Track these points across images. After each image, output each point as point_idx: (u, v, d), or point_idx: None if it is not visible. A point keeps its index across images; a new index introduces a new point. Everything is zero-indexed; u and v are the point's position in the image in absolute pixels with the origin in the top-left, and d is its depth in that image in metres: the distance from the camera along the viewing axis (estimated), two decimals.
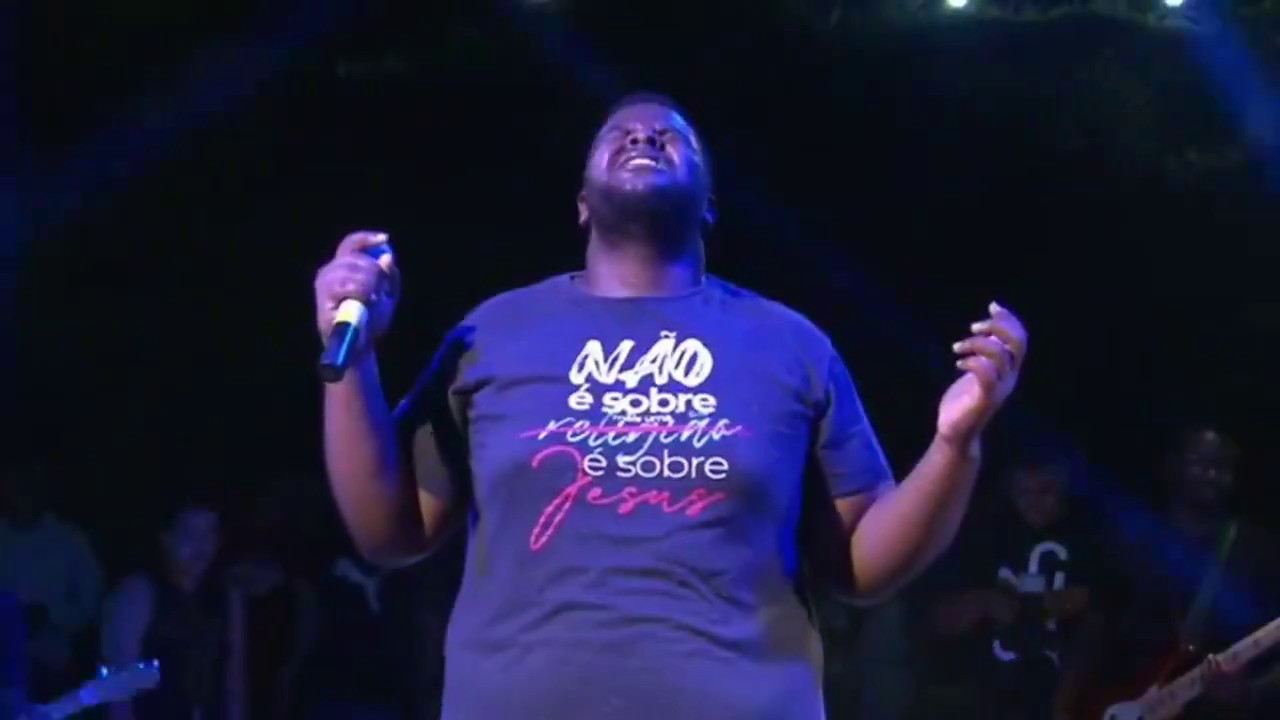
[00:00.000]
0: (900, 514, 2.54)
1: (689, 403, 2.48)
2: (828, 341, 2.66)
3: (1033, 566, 5.84)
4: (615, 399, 2.48)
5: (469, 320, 2.67)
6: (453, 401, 2.58)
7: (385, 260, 2.50)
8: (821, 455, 2.58)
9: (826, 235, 6.20)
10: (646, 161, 2.60)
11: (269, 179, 6.05)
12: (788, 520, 2.55)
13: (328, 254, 2.53)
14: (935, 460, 2.48)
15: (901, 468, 2.60)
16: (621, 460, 2.44)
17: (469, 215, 6.16)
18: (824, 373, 2.60)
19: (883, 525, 2.56)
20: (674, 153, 2.63)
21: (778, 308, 2.69)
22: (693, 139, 2.70)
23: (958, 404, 2.43)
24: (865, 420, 2.65)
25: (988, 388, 2.39)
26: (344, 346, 2.41)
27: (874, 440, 2.65)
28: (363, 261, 2.48)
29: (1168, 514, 5.70)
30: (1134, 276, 6.48)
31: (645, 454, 2.44)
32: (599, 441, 2.45)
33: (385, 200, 5.61)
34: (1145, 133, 6.47)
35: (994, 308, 2.42)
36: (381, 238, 2.52)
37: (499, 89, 6.29)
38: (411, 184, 5.98)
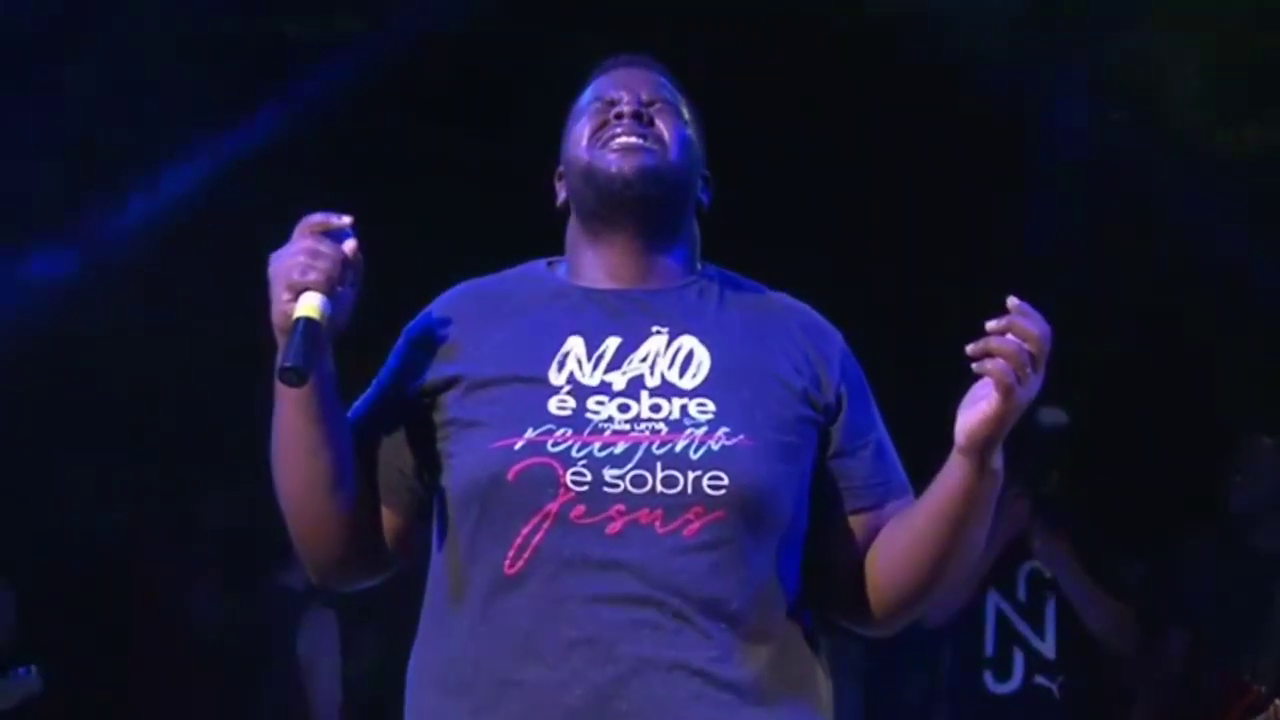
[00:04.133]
0: (915, 535, 2.49)
1: (684, 408, 2.45)
2: (839, 336, 2.63)
3: (1021, 589, 5.76)
4: (600, 403, 2.45)
5: (433, 310, 2.62)
6: (417, 404, 2.54)
7: (350, 246, 2.45)
8: (830, 466, 2.55)
9: (834, 218, 6.24)
10: (633, 140, 2.56)
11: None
12: (793, 541, 2.52)
13: (281, 237, 2.49)
14: (952, 474, 2.44)
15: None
16: (608, 474, 2.41)
17: (433, 190, 6.20)
18: (835, 372, 2.57)
19: (896, 548, 2.52)
20: (664, 128, 2.59)
21: (783, 299, 2.66)
22: (684, 109, 2.66)
23: (974, 411, 2.38)
24: (880, 425, 2.62)
25: (1006, 393, 2.34)
26: (308, 345, 2.37)
27: (889, 448, 2.61)
28: (325, 247, 2.44)
29: (1229, 531, 5.69)
30: (1182, 263, 6.49)
31: (635, 467, 2.41)
32: (583, 452, 2.42)
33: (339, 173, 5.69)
34: (1195, 105, 6.42)
35: (1011, 302, 2.38)
36: (346, 220, 2.48)
37: (467, 48, 6.26)
38: (368, 156, 6.02)
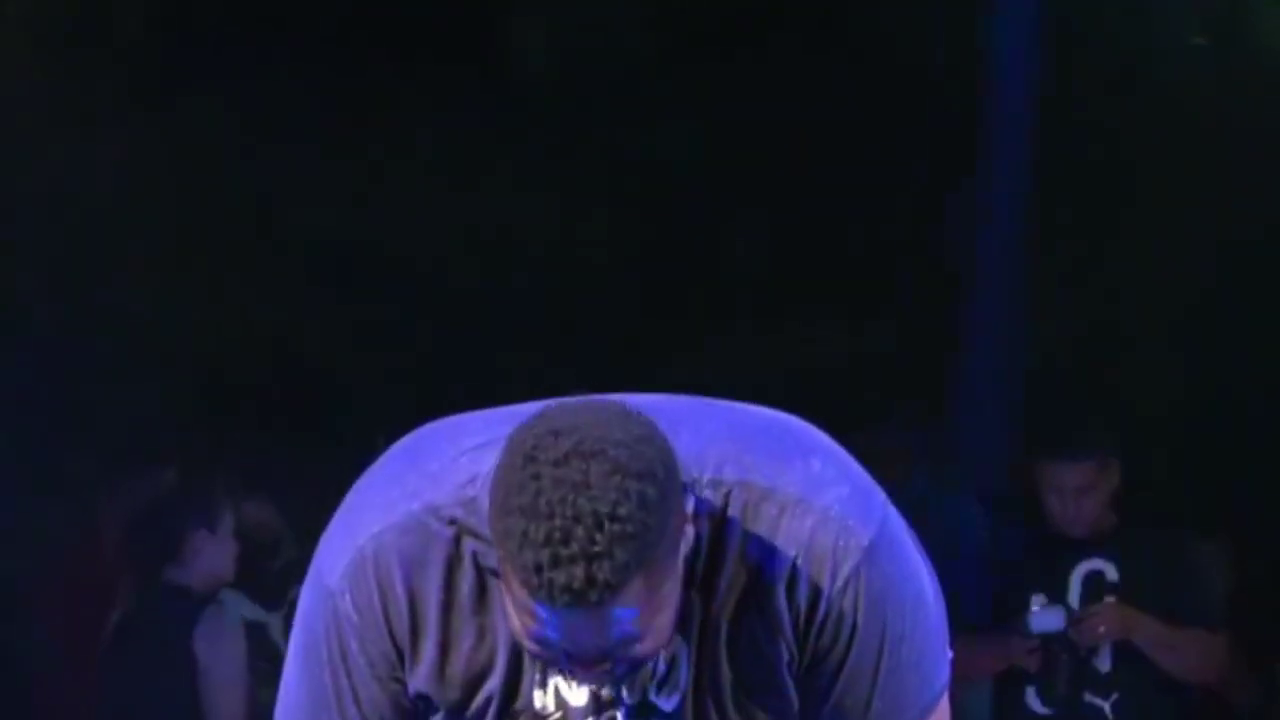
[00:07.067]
0: None
1: None
2: (847, 563, 2.28)
3: (1074, 592, 5.41)
4: None
5: (349, 602, 2.31)
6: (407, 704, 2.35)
7: None
8: None
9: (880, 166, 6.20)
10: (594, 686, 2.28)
11: (134, 92, 5.88)
12: None
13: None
14: None
15: None
16: None
17: (395, 135, 5.91)
18: (814, 629, 2.29)
19: None
20: (637, 659, 2.26)
21: (779, 539, 2.29)
22: (664, 588, 2.21)
23: None
24: (879, 680, 2.31)
25: None
26: None
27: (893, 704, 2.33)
28: None
29: None
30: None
31: None
32: None
33: (283, 118, 5.46)
34: None
35: None
36: None
37: None
38: (317, 97, 5.74)
